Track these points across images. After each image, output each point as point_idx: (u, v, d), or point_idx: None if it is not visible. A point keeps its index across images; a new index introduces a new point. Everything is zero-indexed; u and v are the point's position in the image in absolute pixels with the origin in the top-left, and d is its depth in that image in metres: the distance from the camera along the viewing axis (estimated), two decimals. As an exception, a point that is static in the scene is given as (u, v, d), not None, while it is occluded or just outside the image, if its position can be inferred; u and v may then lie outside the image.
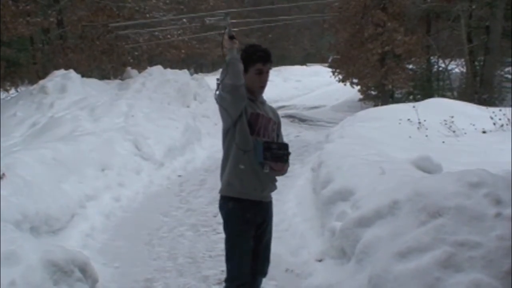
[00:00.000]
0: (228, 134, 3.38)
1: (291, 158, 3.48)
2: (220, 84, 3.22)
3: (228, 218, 3.43)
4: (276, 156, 3.35)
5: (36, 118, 11.29)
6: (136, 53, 18.77)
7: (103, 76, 18.88)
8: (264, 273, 3.61)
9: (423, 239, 3.42)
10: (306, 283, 4.60)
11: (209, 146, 11.04)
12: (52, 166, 6.97)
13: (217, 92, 3.31)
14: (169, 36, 18.90)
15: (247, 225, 3.40)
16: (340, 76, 21.94)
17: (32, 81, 16.25)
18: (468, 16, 19.03)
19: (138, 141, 9.38)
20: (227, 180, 3.38)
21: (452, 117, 8.90)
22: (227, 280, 3.45)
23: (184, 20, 19.91)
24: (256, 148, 3.35)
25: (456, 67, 21.61)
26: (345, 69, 21.30)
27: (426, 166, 5.66)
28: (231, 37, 3.32)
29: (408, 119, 9.24)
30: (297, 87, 28.65)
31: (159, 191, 8.38)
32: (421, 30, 20.03)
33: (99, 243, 5.94)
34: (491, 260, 3.19)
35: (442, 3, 18.46)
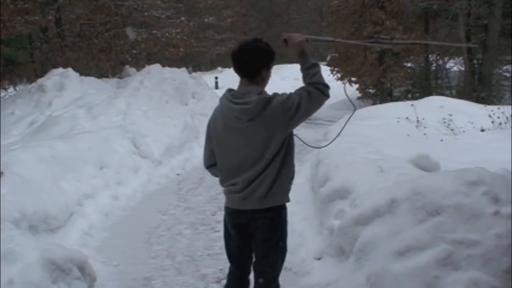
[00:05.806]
0: (284, 141, 3.17)
1: None
2: (321, 85, 3.21)
3: (284, 223, 3.44)
4: None
5: (34, 116, 11.26)
6: (134, 52, 18.74)
7: (101, 75, 18.83)
8: None
9: (422, 238, 3.42)
10: (305, 281, 4.60)
11: (207, 144, 10.99)
12: (50, 164, 6.96)
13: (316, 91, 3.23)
14: (167, 34, 18.87)
15: None
16: (339, 75, 21.94)
17: (30, 80, 16.26)
18: (467, 14, 19.04)
19: (136, 139, 9.38)
20: (286, 189, 3.42)
21: (451, 115, 8.89)
22: (275, 280, 3.37)
23: (182, 18, 19.89)
24: None
25: (455, 65, 21.64)
26: (344, 67, 21.30)
27: (425, 165, 5.65)
28: None
29: (407, 118, 9.24)
30: (295, 85, 28.35)
31: (158, 189, 8.38)
32: (419, 28, 20.05)
33: (97, 242, 5.94)
34: (489, 258, 3.20)
35: (441, 1, 18.48)
